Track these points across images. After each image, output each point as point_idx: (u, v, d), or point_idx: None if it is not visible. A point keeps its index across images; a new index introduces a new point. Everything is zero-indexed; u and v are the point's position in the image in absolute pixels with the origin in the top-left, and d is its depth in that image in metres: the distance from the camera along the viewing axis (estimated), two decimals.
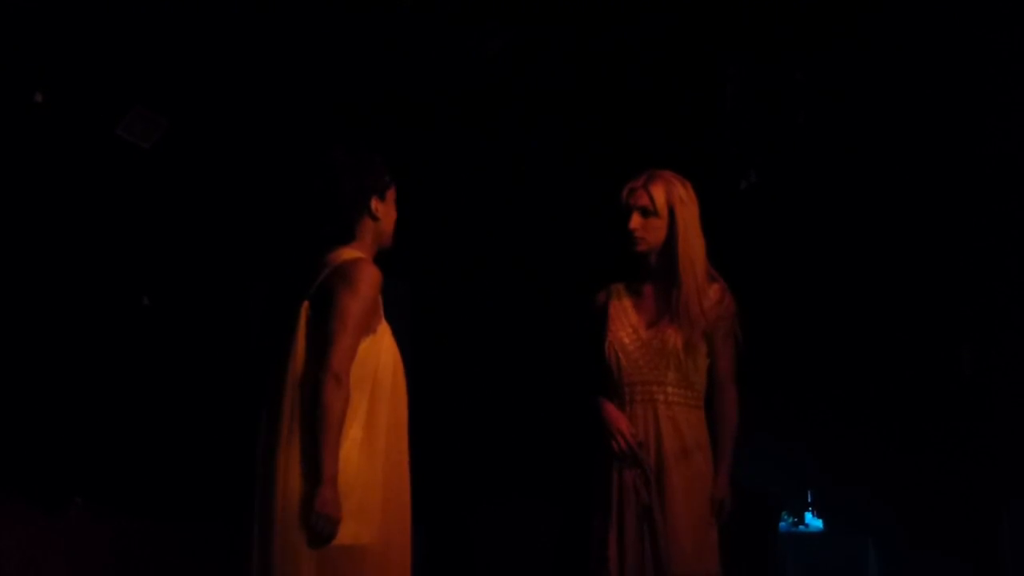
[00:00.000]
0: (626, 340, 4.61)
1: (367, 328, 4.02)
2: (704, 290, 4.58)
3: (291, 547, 3.88)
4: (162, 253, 7.53)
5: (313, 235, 4.16)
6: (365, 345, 4.01)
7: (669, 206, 4.59)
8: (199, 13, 6.50)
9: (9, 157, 6.83)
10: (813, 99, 7.07)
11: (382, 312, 4.12)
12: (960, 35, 6.65)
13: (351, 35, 6.77)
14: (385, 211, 4.20)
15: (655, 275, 4.63)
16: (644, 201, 4.59)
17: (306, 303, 4.02)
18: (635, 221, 4.57)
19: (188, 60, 6.72)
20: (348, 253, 4.08)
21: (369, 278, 4.01)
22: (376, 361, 4.04)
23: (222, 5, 6.51)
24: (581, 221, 7.85)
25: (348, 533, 3.90)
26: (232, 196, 7.43)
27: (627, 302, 4.69)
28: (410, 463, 4.15)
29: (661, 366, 4.56)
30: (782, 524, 8.28)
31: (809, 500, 8.38)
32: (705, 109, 7.25)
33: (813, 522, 8.41)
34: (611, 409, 4.57)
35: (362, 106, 7.13)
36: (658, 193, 4.60)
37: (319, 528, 3.85)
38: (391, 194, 4.25)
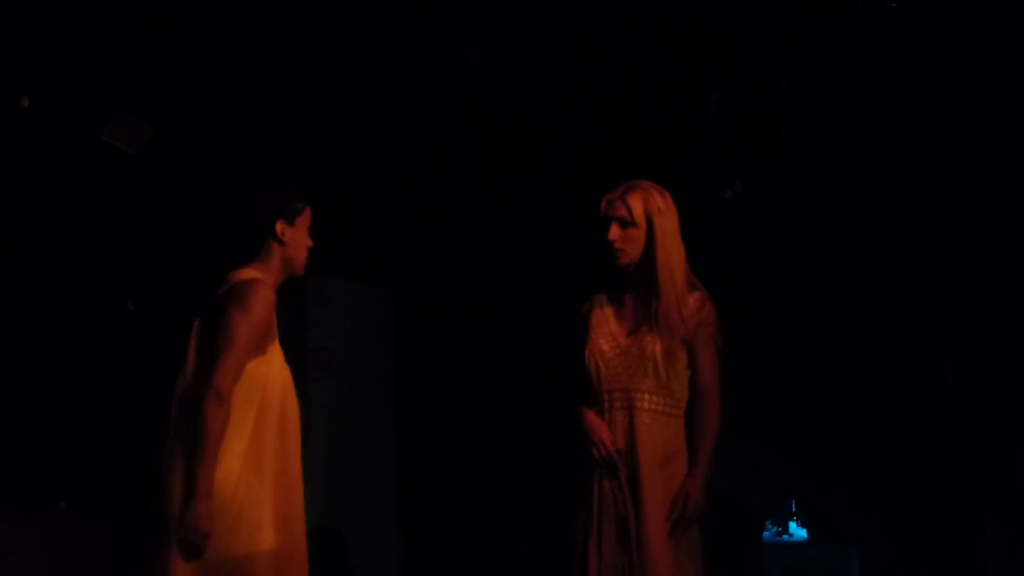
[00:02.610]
0: (605, 347, 4.62)
1: (256, 348, 4.03)
2: (684, 298, 4.59)
3: (167, 561, 3.86)
4: (146, 257, 7.55)
5: (222, 253, 4.16)
6: (253, 365, 4.01)
7: (647, 216, 4.59)
8: (181, 19, 6.51)
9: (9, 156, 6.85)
10: (797, 108, 7.08)
11: (275, 333, 4.14)
12: (945, 43, 6.68)
13: (338, 37, 6.79)
14: (292, 236, 4.18)
15: (636, 284, 4.63)
16: (622, 212, 4.60)
17: (197, 319, 4.05)
18: (613, 232, 4.59)
19: (173, 65, 6.73)
20: (246, 273, 4.08)
21: (262, 299, 4.01)
22: (264, 380, 4.04)
23: (206, 11, 6.52)
24: (566, 230, 7.87)
25: (221, 546, 3.89)
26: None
27: (608, 311, 4.69)
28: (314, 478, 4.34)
29: (639, 373, 4.57)
30: (766, 533, 8.28)
31: (793, 509, 8.37)
32: (689, 118, 7.26)
33: (797, 531, 8.39)
34: (591, 417, 4.58)
35: (344, 112, 7.15)
36: (635, 203, 4.60)
37: (187, 541, 3.84)
38: (302, 220, 4.21)
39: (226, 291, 4.04)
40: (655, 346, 4.56)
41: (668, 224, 4.61)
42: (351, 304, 7.71)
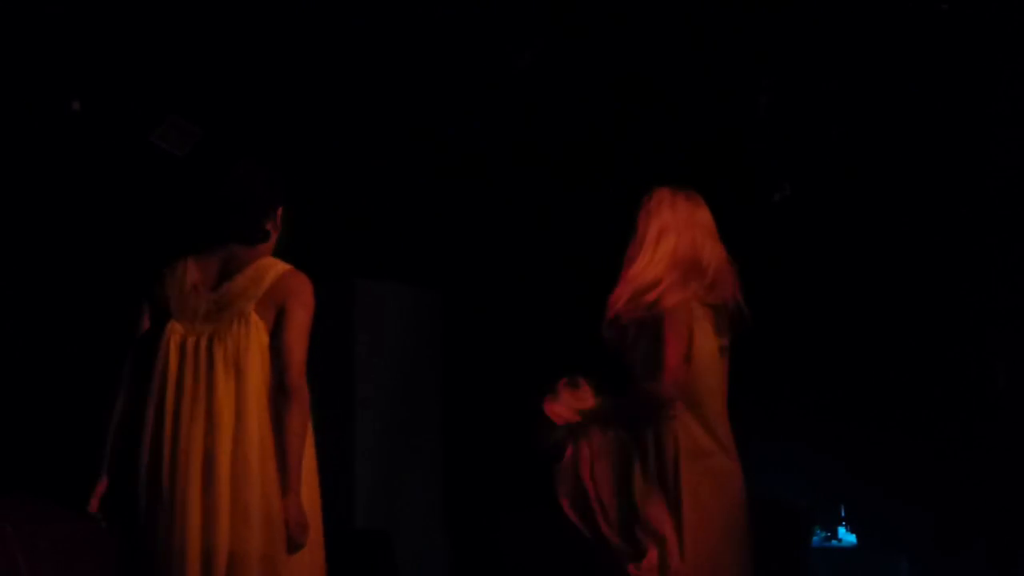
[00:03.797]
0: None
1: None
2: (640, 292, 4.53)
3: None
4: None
5: (221, 235, 4.10)
6: None
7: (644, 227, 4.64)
8: (229, 22, 6.54)
9: (46, 164, 6.89)
10: (848, 111, 7.05)
11: None
12: (1000, 43, 6.63)
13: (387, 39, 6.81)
14: (280, 221, 4.23)
15: None
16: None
17: (253, 313, 3.95)
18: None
19: (223, 65, 6.77)
20: (283, 264, 4.06)
21: (311, 289, 4.03)
22: None
23: (247, 13, 6.55)
24: (616, 234, 7.85)
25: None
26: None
27: None
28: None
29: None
30: (814, 539, 8.22)
31: (842, 514, 8.31)
32: (739, 121, 7.24)
33: (846, 537, 8.34)
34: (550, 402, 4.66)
35: (391, 115, 7.17)
36: (640, 223, 4.67)
37: (297, 533, 3.98)
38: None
39: (284, 283, 3.98)
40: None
41: (646, 224, 4.65)
42: (399, 306, 7.71)
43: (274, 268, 4.00)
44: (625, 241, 4.81)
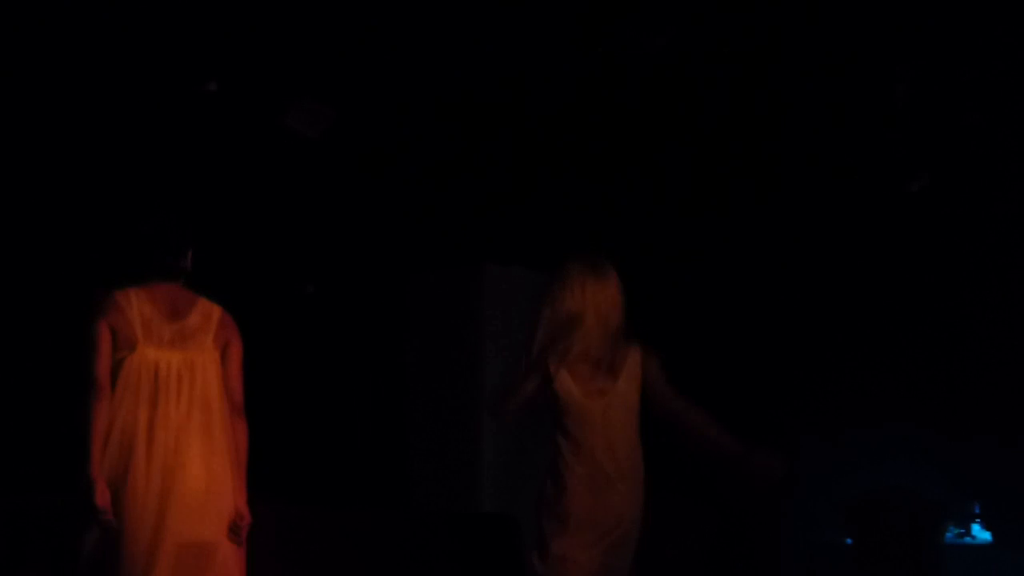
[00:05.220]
0: None
1: None
2: None
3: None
4: (327, 242, 7.63)
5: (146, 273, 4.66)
6: None
7: None
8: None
9: (182, 144, 6.97)
10: (986, 98, 6.91)
11: None
12: None
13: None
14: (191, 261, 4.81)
15: None
16: None
17: (212, 345, 4.67)
18: None
19: (354, 52, 6.80)
20: (214, 304, 4.77)
21: None
22: None
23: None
24: (744, 221, 7.78)
25: None
26: (397, 187, 7.50)
27: None
28: None
29: None
30: (947, 535, 8.07)
31: (976, 511, 8.15)
32: (875, 110, 7.13)
33: (980, 534, 8.18)
34: None
35: (522, 102, 7.17)
36: None
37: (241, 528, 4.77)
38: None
39: (226, 321, 4.73)
40: None
41: None
42: (528, 292, 7.68)
43: (216, 309, 4.73)
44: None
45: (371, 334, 7.98)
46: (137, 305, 4.56)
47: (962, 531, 8.16)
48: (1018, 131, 6.99)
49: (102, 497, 4.37)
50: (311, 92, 6.91)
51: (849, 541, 7.84)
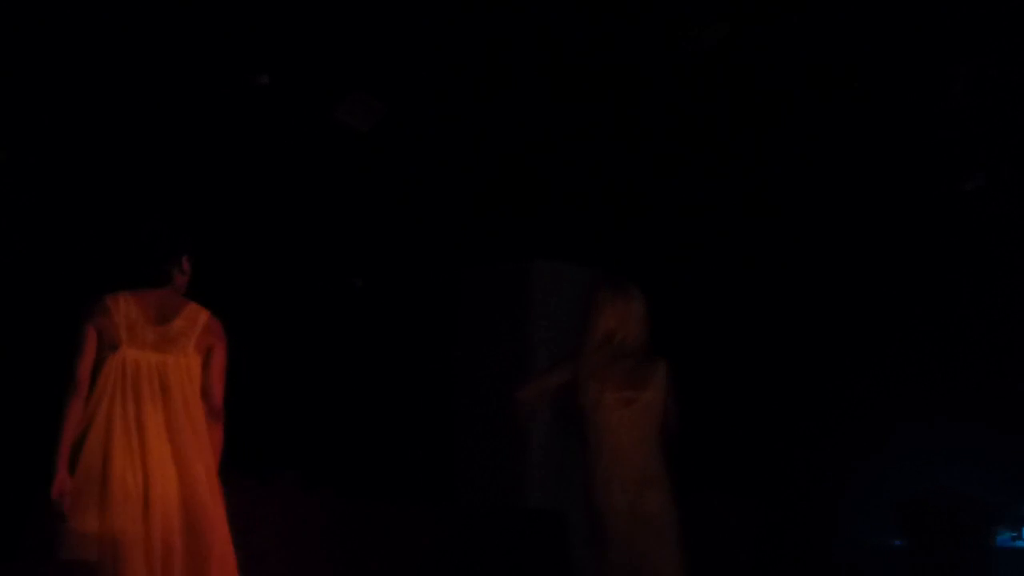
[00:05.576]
0: None
1: None
2: None
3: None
4: (375, 236, 7.64)
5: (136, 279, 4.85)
6: None
7: None
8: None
9: (235, 138, 6.99)
10: None
11: None
12: None
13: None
14: (189, 268, 4.98)
15: None
16: None
17: (192, 349, 4.82)
18: None
19: (407, 46, 6.80)
20: (202, 309, 4.90)
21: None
22: None
23: None
24: (801, 219, 7.73)
25: None
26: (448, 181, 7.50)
27: None
28: None
29: None
30: (1000, 538, 7.99)
31: None
32: (930, 109, 7.08)
33: None
34: None
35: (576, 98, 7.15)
36: None
37: None
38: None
39: (212, 327, 4.87)
40: None
41: None
42: (576, 288, 7.67)
43: (202, 313, 4.88)
44: None
45: (420, 329, 7.98)
46: (124, 309, 4.77)
47: (1015, 534, 8.08)
48: None
49: (59, 487, 4.55)
50: (363, 85, 6.92)
51: (899, 543, 7.79)
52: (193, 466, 4.72)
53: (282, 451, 7.02)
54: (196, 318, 4.85)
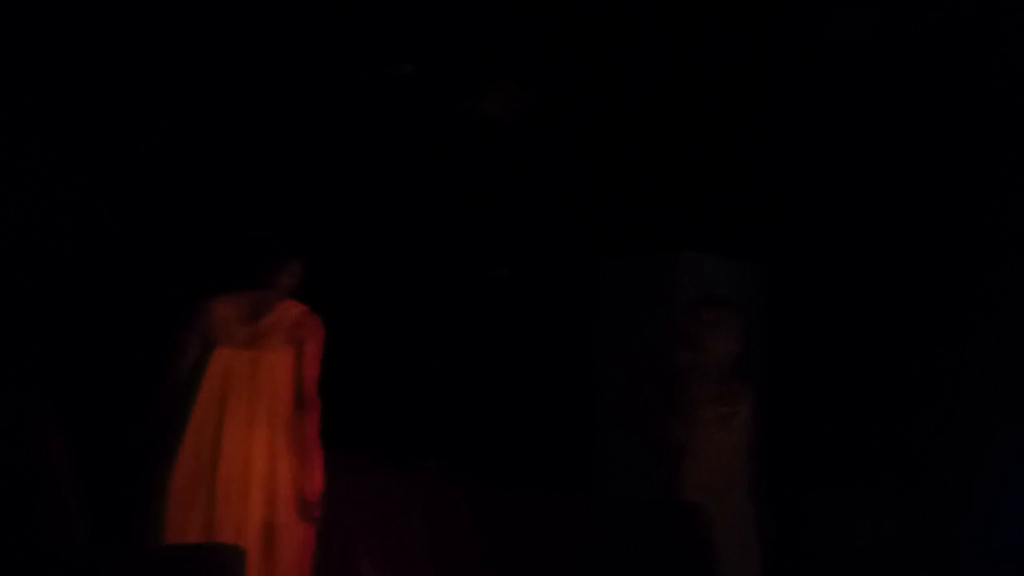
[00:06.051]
0: None
1: None
2: None
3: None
4: (520, 227, 7.65)
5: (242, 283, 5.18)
6: None
7: None
8: None
9: (379, 128, 7.04)
10: None
11: None
12: None
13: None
14: (298, 271, 5.25)
15: None
16: None
17: (285, 343, 5.13)
18: None
19: (551, 35, 6.80)
20: (296, 306, 5.20)
21: (321, 326, 5.19)
22: None
23: None
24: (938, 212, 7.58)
25: None
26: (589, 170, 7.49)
27: None
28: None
29: None
30: None
31: None
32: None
33: None
34: None
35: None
36: None
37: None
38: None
39: (303, 320, 5.15)
40: None
41: None
42: (722, 280, 7.59)
43: (294, 309, 5.17)
44: None
45: (562, 320, 7.97)
46: (221, 311, 5.12)
47: None
48: None
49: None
50: (508, 75, 6.93)
51: None
52: (281, 455, 5.02)
53: (425, 440, 7.06)
54: (287, 314, 5.14)
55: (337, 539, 5.44)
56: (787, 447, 7.48)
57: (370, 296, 7.48)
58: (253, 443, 5.01)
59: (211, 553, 4.55)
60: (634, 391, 7.49)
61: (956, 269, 7.47)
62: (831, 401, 7.47)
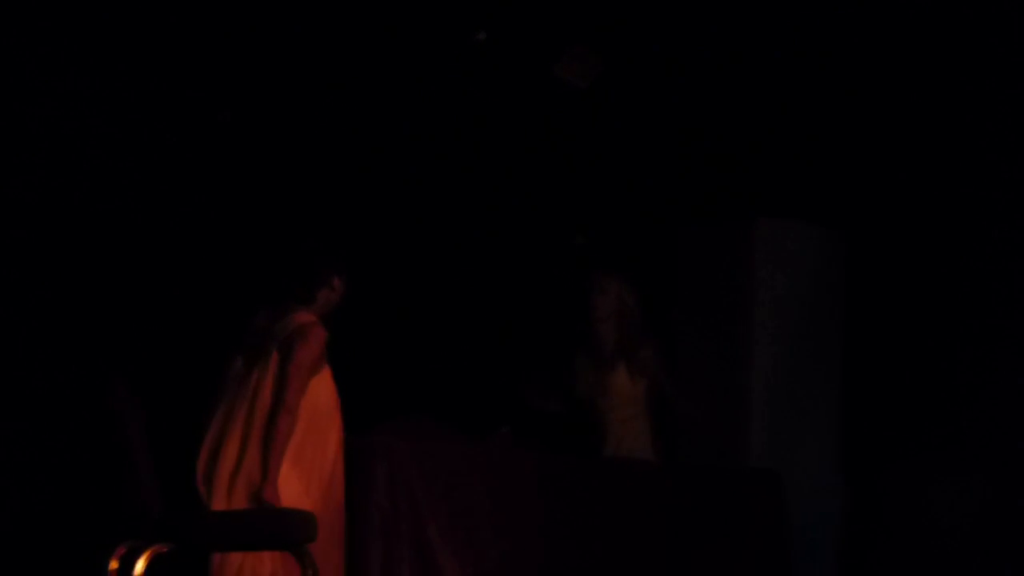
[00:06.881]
0: None
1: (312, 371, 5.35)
2: None
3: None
4: (598, 193, 7.63)
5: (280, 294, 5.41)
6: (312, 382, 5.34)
7: None
8: None
9: (451, 94, 7.05)
10: None
11: (325, 359, 5.40)
12: None
13: None
14: (340, 286, 5.48)
15: None
16: None
17: (275, 352, 5.30)
18: None
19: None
20: (305, 316, 5.36)
21: (318, 337, 5.32)
22: (316, 397, 5.34)
23: None
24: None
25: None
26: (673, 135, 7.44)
27: None
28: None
29: None
30: None
31: None
32: None
33: None
34: None
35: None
36: None
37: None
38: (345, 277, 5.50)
39: (297, 329, 5.30)
40: None
41: None
42: (801, 246, 7.51)
43: (295, 319, 5.33)
44: None
45: (640, 288, 7.93)
46: (257, 321, 5.40)
47: None
48: None
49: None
50: (582, 40, 6.90)
51: None
52: (244, 462, 5.24)
53: (496, 408, 7.06)
54: (288, 323, 5.32)
55: (403, 507, 5.49)
56: (866, 416, 7.42)
57: (449, 263, 7.51)
58: (229, 441, 5.27)
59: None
60: (714, 359, 7.45)
61: None
62: (912, 368, 7.39)
